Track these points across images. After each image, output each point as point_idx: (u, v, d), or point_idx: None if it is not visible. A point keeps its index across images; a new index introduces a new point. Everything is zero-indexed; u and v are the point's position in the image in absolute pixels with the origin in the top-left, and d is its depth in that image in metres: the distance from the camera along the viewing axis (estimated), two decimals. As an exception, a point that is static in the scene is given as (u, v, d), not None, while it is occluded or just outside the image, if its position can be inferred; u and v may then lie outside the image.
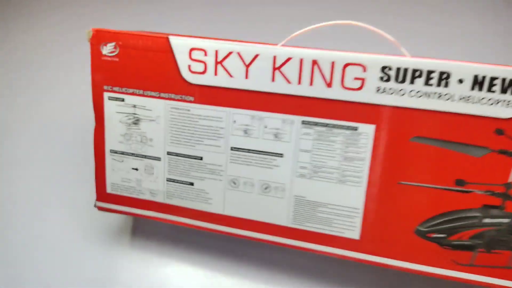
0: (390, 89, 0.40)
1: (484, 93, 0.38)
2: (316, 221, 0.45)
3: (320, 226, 0.45)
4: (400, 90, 0.40)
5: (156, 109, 0.46)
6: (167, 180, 0.48)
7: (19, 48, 0.74)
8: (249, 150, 0.45)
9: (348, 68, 0.40)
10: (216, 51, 0.43)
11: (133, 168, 0.49)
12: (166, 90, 0.46)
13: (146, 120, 0.47)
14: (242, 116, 0.44)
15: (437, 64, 0.38)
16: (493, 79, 0.37)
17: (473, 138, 0.39)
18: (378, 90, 0.40)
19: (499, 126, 0.38)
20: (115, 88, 0.47)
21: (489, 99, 0.38)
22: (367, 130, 0.42)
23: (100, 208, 0.52)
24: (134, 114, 0.47)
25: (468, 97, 0.38)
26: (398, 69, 0.39)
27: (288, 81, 0.42)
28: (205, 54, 0.43)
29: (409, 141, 0.41)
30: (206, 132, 0.46)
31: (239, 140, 0.45)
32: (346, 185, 0.43)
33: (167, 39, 0.44)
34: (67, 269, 0.56)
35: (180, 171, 0.48)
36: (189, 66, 0.44)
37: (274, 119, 0.44)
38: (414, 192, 0.42)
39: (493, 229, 0.41)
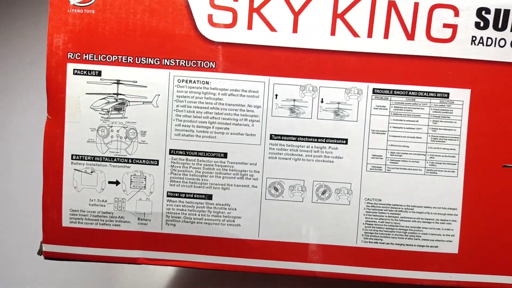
0: (488, 38, 0.27)
1: None
2: (399, 234, 0.28)
3: (403, 241, 0.28)
4: (500, 41, 0.27)
5: (155, 84, 0.27)
6: (167, 196, 0.28)
7: None
8: (297, 138, 0.28)
9: (436, 12, 0.27)
10: (253, -5, 0.27)
11: (110, 182, 0.28)
12: (172, 55, 0.27)
13: (137, 103, 0.27)
14: (288, 87, 0.27)
15: (547, 3, 0.27)
16: None
17: None
18: (473, 41, 0.27)
19: None
20: (87, 56, 0.27)
21: None
22: (462, 97, 0.27)
23: (49, 255, 0.28)
24: (117, 94, 0.27)
25: None
26: (498, 12, 0.27)
27: (355, 34, 0.27)
28: None
29: (515, 107, 0.28)
30: (235, 115, 0.27)
31: (283, 123, 0.27)
32: (438, 176, 0.28)
33: (177, -20, 0.27)
34: None
35: (190, 179, 0.28)
36: (210, 17, 0.27)
37: (334, 89, 0.27)
38: (525, 177, 0.28)
39: None
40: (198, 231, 0.28)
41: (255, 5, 0.27)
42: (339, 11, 0.27)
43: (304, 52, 0.27)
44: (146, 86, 0.27)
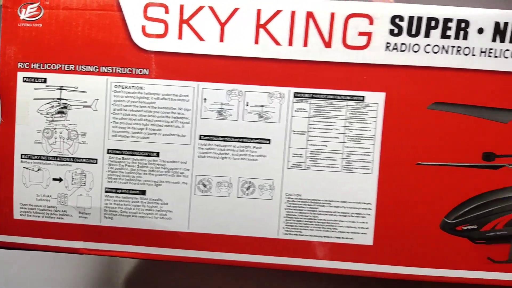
0: (402, 44, 0.28)
1: (507, 45, 0.27)
2: (317, 227, 0.29)
3: (321, 233, 0.29)
4: (414, 46, 0.28)
5: (94, 90, 0.29)
6: (105, 192, 0.29)
7: None
8: (224, 138, 0.29)
9: (351, 21, 0.28)
10: (181, 6, 0.28)
11: (54, 179, 0.29)
12: (109, 63, 0.28)
13: (77, 107, 0.29)
14: (216, 91, 0.28)
15: (454, 11, 0.27)
16: (517, 25, 0.27)
17: (498, 100, 0.28)
18: (387, 47, 0.28)
19: (527, 83, 0.28)
20: (35, 65, 0.29)
21: (514, 51, 0.28)
22: (376, 99, 0.28)
23: (3, 245, 0.30)
24: (60, 99, 0.29)
25: (490, 50, 0.28)
26: (411, 19, 0.28)
27: (277, 43, 0.28)
28: (166, 11, 0.28)
29: (426, 109, 0.28)
30: (166, 117, 0.29)
31: (211, 125, 0.29)
32: (354, 174, 0.29)
33: (114, -6, 0.28)
34: None
35: (126, 176, 0.29)
36: (144, 28, 0.28)
37: (258, 94, 0.28)
38: (436, 175, 0.28)
39: (533, 211, 0.29)
40: (133, 224, 0.29)
41: (185, 17, 0.28)
42: (262, 21, 0.28)
43: (230, 59, 0.28)
44: (86, 92, 0.29)
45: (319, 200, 0.29)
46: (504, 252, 0.29)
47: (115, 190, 0.29)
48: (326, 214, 0.29)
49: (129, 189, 0.29)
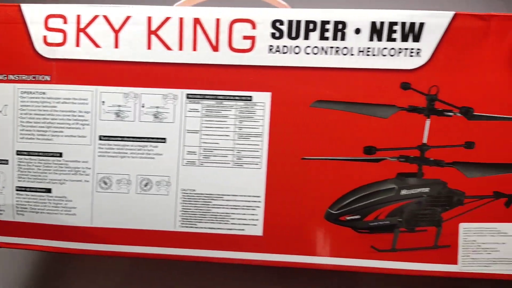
0: (284, 47, 0.29)
1: (384, 43, 0.28)
2: (211, 219, 0.30)
3: (215, 225, 0.30)
4: (295, 48, 0.29)
5: (3, 96, 0.30)
6: (16, 190, 0.31)
7: None
8: (123, 138, 0.30)
9: (236, 26, 0.29)
10: (78, 16, 0.30)
11: (-31, 179, 0.31)
12: (15, 71, 0.30)
13: (-12, 112, 0.31)
14: (113, 95, 0.30)
15: (331, 13, 0.29)
16: (392, 24, 0.28)
17: (377, 96, 0.29)
18: (270, 50, 0.29)
19: (404, 80, 0.29)
20: None
21: (391, 49, 0.29)
22: (263, 99, 0.30)
23: None
24: (-28, 105, 0.31)
25: (368, 49, 0.29)
26: (291, 23, 0.29)
27: (168, 48, 0.29)
28: (65, 21, 0.30)
29: (310, 107, 0.29)
30: (67, 120, 0.30)
31: (110, 126, 0.30)
32: (244, 169, 0.30)
33: (19, 7, 0.30)
34: None
35: (34, 175, 0.31)
36: (45, 38, 0.30)
37: (152, 96, 0.30)
38: (320, 169, 0.29)
39: (412, 201, 0.30)
40: (42, 219, 0.31)
41: (82, 26, 0.30)
42: (153, 28, 0.29)
43: (125, 64, 0.30)
44: (-5, 98, 0.30)
45: (212, 194, 0.30)
46: (388, 241, 0.30)
47: (25, 189, 0.31)
48: (219, 207, 0.30)
49: (37, 188, 0.31)
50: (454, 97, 0.29)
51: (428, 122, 0.29)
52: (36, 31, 0.30)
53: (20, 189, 0.31)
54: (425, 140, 0.29)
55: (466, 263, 0.29)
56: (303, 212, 0.30)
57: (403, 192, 0.29)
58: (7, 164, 0.31)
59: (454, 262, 0.29)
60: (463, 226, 0.29)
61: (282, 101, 0.29)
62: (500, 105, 0.28)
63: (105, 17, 0.29)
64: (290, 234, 0.30)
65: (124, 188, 0.30)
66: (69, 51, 0.30)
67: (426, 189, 0.29)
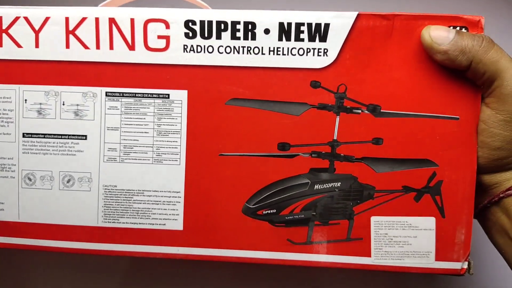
0: (198, 46, 0.29)
1: (292, 43, 0.29)
2: (132, 215, 0.31)
3: (136, 220, 0.31)
4: (208, 47, 0.29)
5: None
6: None
7: None
8: (45, 135, 0.31)
9: (150, 26, 0.29)
10: (0, 18, 0.30)
11: None
12: None
13: None
14: (34, 93, 0.30)
15: (241, 14, 0.29)
16: (299, 25, 0.29)
17: (289, 95, 0.29)
18: (185, 49, 0.29)
19: (314, 78, 0.29)
20: None
21: (299, 49, 0.29)
22: (180, 97, 0.30)
23: None
24: None
25: (278, 48, 0.29)
26: (203, 23, 0.29)
27: (85, 47, 0.30)
28: (-14, 22, 0.30)
29: (225, 105, 0.30)
30: (-8, 117, 0.31)
31: (32, 123, 0.31)
32: (164, 165, 0.30)
33: None
34: None
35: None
36: (-33, 38, 0.30)
37: (72, 94, 0.30)
38: (237, 164, 0.30)
39: (325, 196, 0.30)
40: (-31, 215, 0.31)
41: (4, 27, 0.30)
42: (70, 28, 0.30)
43: (46, 63, 0.30)
44: None
45: (133, 190, 0.31)
46: (303, 234, 0.30)
47: (-47, 185, 0.31)
48: (141, 203, 0.31)
49: (-36, 184, 0.31)
50: (362, 95, 0.29)
51: (337, 119, 0.29)
52: (-40, 32, 0.30)
53: (-52, 185, 0.31)
54: (335, 137, 0.29)
55: (379, 255, 0.30)
56: (222, 207, 0.30)
57: (316, 186, 0.30)
58: None
59: (368, 254, 0.30)
60: (374, 219, 0.30)
61: (198, 98, 0.30)
62: (406, 102, 0.29)
63: (26, 18, 0.30)
64: (210, 228, 0.30)
65: (48, 184, 0.31)
66: (-9, 51, 0.30)
67: (338, 184, 0.30)
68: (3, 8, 0.30)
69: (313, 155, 0.30)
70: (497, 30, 0.44)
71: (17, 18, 0.30)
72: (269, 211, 0.30)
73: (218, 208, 0.30)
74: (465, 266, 0.29)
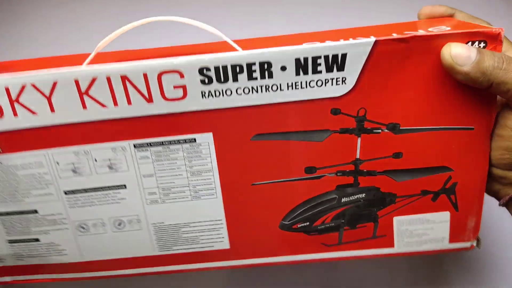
0: (216, 91, 0.29)
1: (310, 76, 0.28)
2: (183, 243, 0.34)
3: (188, 246, 0.34)
4: (226, 91, 0.29)
5: (-38, 170, 0.31)
6: (9, 242, 0.34)
7: None
8: (86, 190, 0.32)
9: (164, 77, 0.28)
10: (7, 89, 0.29)
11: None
12: (-36, 147, 0.31)
13: (-45, 185, 0.32)
14: (64, 155, 0.31)
15: (255, 55, 0.28)
16: (315, 59, 0.28)
17: (311, 124, 0.30)
18: (203, 95, 0.29)
19: (334, 106, 0.29)
20: None
21: (317, 81, 0.28)
22: (206, 139, 0.31)
23: None
24: None
25: (296, 83, 0.29)
26: (217, 68, 0.28)
27: (103, 105, 0.29)
28: (-5, 96, 0.29)
29: (250, 141, 0.31)
30: (31, 182, 0.32)
31: (70, 182, 0.32)
32: (202, 200, 0.33)
33: None
34: None
35: (19, 229, 0.33)
36: (-19, 113, 0.29)
37: (102, 150, 0.31)
38: (270, 190, 0.32)
39: (352, 206, 0.33)
40: (40, 261, 0.35)
41: (14, 97, 0.29)
42: (83, 90, 0.28)
43: (67, 126, 0.30)
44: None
45: (180, 224, 0.33)
46: (335, 238, 0.34)
47: (16, 241, 0.34)
48: (188, 233, 0.34)
49: (25, 239, 0.34)
50: (381, 115, 0.29)
51: (359, 140, 0.30)
52: (-29, 107, 0.29)
53: (12, 241, 0.34)
54: (358, 156, 0.31)
55: (401, 245, 0.34)
56: (261, 226, 0.33)
57: (343, 199, 0.32)
58: (-8, 224, 0.33)
59: (391, 246, 0.34)
60: (396, 219, 0.33)
61: (224, 138, 0.30)
62: (423, 117, 0.29)
63: (33, 85, 0.28)
64: (253, 243, 0.34)
65: (101, 229, 0.33)
66: (9, 122, 0.29)
67: (363, 195, 0.32)
68: (7, 77, 0.28)
69: (338, 174, 0.31)
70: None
71: (24, 87, 0.29)
72: (303, 224, 0.33)
73: (258, 227, 0.33)
74: (474, 243, 0.34)
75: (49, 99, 0.29)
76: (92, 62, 0.29)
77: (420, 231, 0.33)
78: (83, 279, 0.36)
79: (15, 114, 0.29)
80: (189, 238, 0.34)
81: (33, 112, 0.29)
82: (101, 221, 0.33)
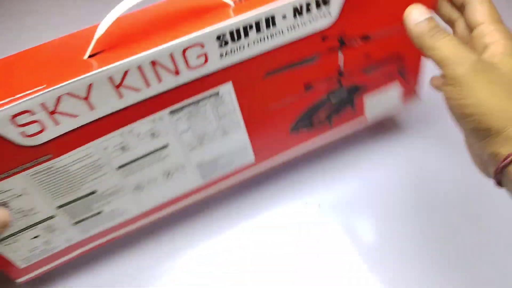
0: (231, 50, 0.33)
1: (304, 16, 0.34)
2: (220, 169, 0.42)
3: (223, 170, 0.43)
4: (239, 47, 0.33)
5: (17, 185, 0.33)
6: (74, 224, 0.39)
7: None
8: (135, 160, 0.37)
9: (188, 52, 0.32)
10: (43, 104, 0.30)
11: (33, 238, 0.38)
12: (14, 165, 0.32)
13: (14, 199, 0.34)
14: (110, 140, 0.34)
15: (260, 15, 0.32)
16: (308, 4, 0.33)
17: (306, 52, 0.37)
18: (222, 56, 0.33)
19: (323, 34, 0.36)
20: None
21: (309, 19, 0.34)
22: (227, 89, 0.36)
23: (24, 282, 0.41)
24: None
25: (293, 25, 0.34)
26: (231, 32, 0.32)
27: (137, 90, 0.32)
28: (32, 113, 0.30)
29: (263, 80, 0.37)
30: (84, 172, 0.35)
31: (121, 158, 0.36)
32: (231, 134, 0.40)
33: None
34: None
35: (82, 211, 0.38)
36: (23, 133, 0.30)
37: (143, 125, 0.35)
38: (281, 109, 0.40)
39: (336, 100, 0.43)
40: (105, 226, 0.41)
41: (51, 110, 0.30)
42: (116, 83, 0.31)
43: (107, 116, 0.33)
44: (12, 189, 0.33)
45: (216, 156, 0.41)
46: (327, 126, 0.45)
47: (81, 220, 0.39)
48: (223, 160, 0.42)
49: (89, 216, 0.39)
50: (358, 33, 0.38)
51: (341, 55, 0.39)
52: (11, 133, 0.30)
53: (77, 222, 0.38)
54: (341, 67, 0.40)
55: (371, 116, 0.47)
56: (276, 136, 0.43)
57: (331, 97, 0.42)
58: (53, 218, 0.37)
59: (365, 119, 0.47)
60: (366, 97, 0.45)
61: (241, 83, 0.36)
62: (390, 29, 0.38)
63: (70, 93, 0.30)
64: (271, 152, 0.44)
65: (154, 184, 0.40)
66: (53, 132, 0.31)
67: (344, 90, 0.42)
68: (41, 93, 0.29)
69: (328, 81, 0.41)
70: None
71: (59, 98, 0.30)
72: (307, 122, 0.43)
73: (273, 137, 0.43)
74: (415, 98, 0.48)
75: (87, 99, 0.31)
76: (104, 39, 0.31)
77: (383, 100, 0.46)
78: (141, 226, 0.43)
79: (56, 123, 0.31)
80: (225, 164, 0.42)
81: (74, 116, 0.31)
82: (153, 178, 0.39)
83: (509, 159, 0.24)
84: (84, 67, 0.30)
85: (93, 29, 0.32)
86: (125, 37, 0.33)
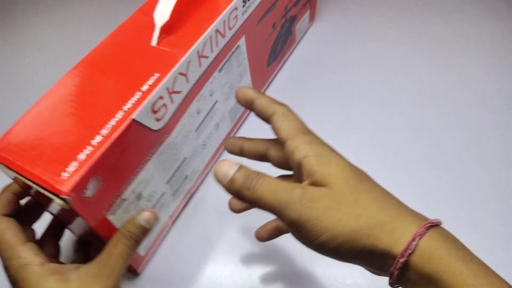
0: (246, 7, 0.45)
1: (274, -28, 0.48)
2: (241, 108, 0.54)
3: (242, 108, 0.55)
4: (250, 4, 0.45)
5: (148, 171, 0.38)
6: (173, 195, 0.45)
7: None
8: (203, 119, 0.45)
9: (232, 15, 0.42)
10: (167, 88, 0.36)
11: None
12: (149, 151, 0.37)
13: (146, 186, 0.39)
14: (193, 107, 0.42)
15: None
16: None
17: (272, -2, 0.52)
18: (243, 14, 0.45)
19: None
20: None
21: (275, -27, 0.49)
22: (243, 42, 0.48)
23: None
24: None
25: (270, -20, 0.48)
26: (248, -5, 0.44)
27: (206, 57, 0.41)
28: (162, 98, 0.35)
29: (257, 26, 0.50)
30: (181, 141, 0.42)
31: (197, 120, 0.44)
32: (244, 76, 0.52)
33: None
34: None
35: (178, 179, 0.44)
36: (156, 119, 0.36)
37: (206, 87, 0.43)
38: (262, 48, 0.54)
39: (285, 29, 0.60)
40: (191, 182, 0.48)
41: (170, 90, 0.36)
42: (201, 54, 0.39)
43: (193, 85, 0.40)
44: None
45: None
46: (294, 36, 0.61)
47: (176, 189, 0.45)
48: (240, 102, 0.54)
49: (180, 183, 0.45)
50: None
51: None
52: (150, 121, 0.35)
53: (173, 193, 0.45)
54: (287, 4, 0.56)
55: (297, 37, 0.65)
56: (262, 66, 0.57)
57: (283, 30, 0.58)
58: (164, 194, 0.43)
59: (295, 40, 0.65)
60: (297, 26, 0.63)
61: (248, 34, 0.48)
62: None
63: (180, 73, 0.37)
64: (260, 78, 0.58)
65: (211, 136, 0.49)
66: (171, 110, 0.38)
67: (288, 22, 0.59)
68: (166, 76, 0.35)
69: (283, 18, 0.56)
70: (497, 32, 0.46)
71: (175, 78, 0.36)
72: (273, 59, 0.59)
73: (261, 68, 0.57)
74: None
75: (185, 75, 0.38)
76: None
77: (302, 25, 0.65)
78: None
79: (172, 101, 0.38)
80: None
81: (179, 92, 0.38)
82: (210, 133, 0.48)
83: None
84: (165, 51, 0.37)
85: (131, 22, 0.38)
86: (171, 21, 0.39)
